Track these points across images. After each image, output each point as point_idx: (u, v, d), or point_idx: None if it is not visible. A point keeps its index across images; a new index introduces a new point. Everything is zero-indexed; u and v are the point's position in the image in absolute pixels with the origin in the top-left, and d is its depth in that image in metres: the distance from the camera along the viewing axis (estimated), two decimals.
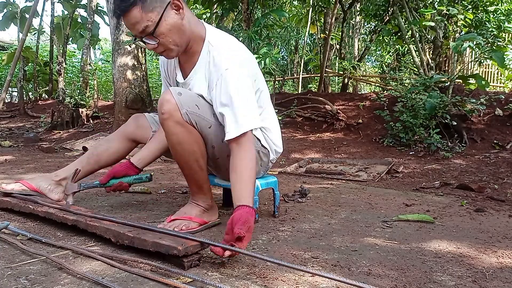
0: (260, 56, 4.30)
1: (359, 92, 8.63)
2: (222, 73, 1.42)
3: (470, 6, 4.67)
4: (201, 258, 1.20)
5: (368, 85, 11.12)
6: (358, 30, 11.69)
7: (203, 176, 1.54)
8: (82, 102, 6.19)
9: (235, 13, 6.63)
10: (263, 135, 1.66)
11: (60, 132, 5.79)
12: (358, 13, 9.47)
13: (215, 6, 6.07)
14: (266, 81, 1.76)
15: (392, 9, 5.40)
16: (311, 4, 7.83)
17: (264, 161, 1.68)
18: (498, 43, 4.18)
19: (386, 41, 7.56)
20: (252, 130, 1.41)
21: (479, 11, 4.73)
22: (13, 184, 1.80)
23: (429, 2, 5.07)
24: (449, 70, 4.95)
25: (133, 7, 1.37)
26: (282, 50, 12.37)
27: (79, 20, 8.63)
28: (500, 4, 4.84)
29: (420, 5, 5.07)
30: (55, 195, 1.74)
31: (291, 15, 9.29)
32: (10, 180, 2.57)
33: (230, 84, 1.40)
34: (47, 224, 1.57)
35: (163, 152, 1.71)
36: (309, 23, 8.33)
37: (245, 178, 1.33)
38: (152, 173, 1.72)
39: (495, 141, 3.73)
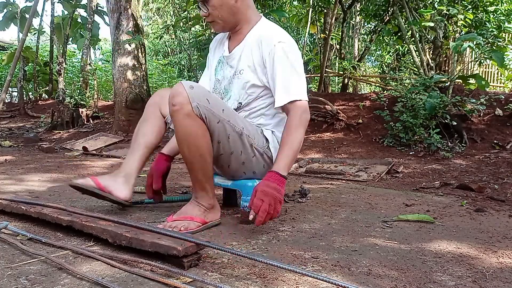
0: None
1: (359, 92, 8.62)
2: (275, 44, 1.57)
3: (470, 6, 4.67)
4: (200, 258, 1.20)
5: (368, 85, 11.10)
6: (358, 30, 11.67)
7: (207, 172, 1.55)
8: (82, 102, 6.18)
9: None
10: (272, 138, 1.68)
11: (60, 132, 5.79)
12: (358, 13, 9.46)
13: None
14: None
15: (392, 9, 5.40)
16: (311, 4, 7.82)
17: (270, 167, 1.68)
18: (498, 43, 4.18)
19: (386, 41, 7.56)
20: (302, 100, 1.54)
21: (479, 11, 4.73)
22: (82, 179, 1.75)
23: (429, 2, 5.07)
24: (449, 70, 4.94)
25: None
26: None
27: (79, 20, 8.61)
28: (500, 4, 4.83)
29: (420, 5, 5.07)
30: (120, 193, 1.70)
31: (291, 15, 9.28)
32: (11, 180, 2.58)
33: (280, 55, 1.56)
34: (47, 224, 1.56)
35: None
36: (309, 23, 8.31)
37: (287, 147, 1.47)
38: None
39: (495, 141, 3.73)
